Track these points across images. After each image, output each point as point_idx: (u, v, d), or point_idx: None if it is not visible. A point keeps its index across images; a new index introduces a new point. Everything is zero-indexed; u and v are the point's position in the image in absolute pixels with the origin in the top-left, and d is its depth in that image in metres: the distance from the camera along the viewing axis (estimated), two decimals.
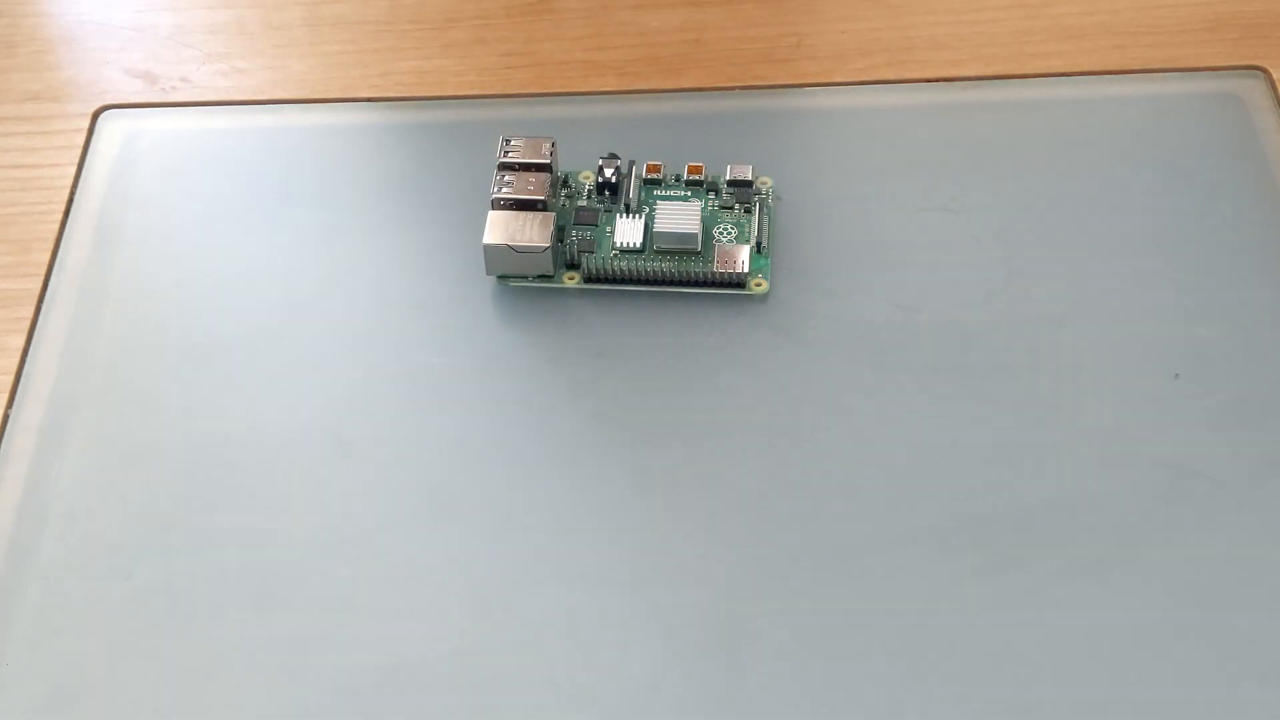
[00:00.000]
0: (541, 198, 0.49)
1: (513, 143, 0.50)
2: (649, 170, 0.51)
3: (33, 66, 0.57)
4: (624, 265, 0.49)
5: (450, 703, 0.42)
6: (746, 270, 0.49)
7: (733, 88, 0.55)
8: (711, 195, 0.51)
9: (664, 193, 0.51)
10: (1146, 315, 0.48)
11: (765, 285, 0.49)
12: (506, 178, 0.49)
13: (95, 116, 0.55)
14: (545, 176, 0.49)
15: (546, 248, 0.48)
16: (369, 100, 0.55)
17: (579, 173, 0.51)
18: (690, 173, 0.51)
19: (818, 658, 0.42)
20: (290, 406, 0.47)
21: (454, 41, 0.56)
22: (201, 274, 0.51)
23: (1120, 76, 0.54)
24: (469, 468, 0.46)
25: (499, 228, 0.49)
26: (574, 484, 0.45)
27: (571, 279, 0.49)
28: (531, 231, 0.48)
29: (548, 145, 0.50)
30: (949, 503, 0.44)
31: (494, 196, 0.49)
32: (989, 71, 0.55)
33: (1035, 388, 0.47)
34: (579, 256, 0.49)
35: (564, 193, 0.51)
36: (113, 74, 0.56)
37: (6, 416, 0.47)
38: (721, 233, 0.50)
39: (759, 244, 0.50)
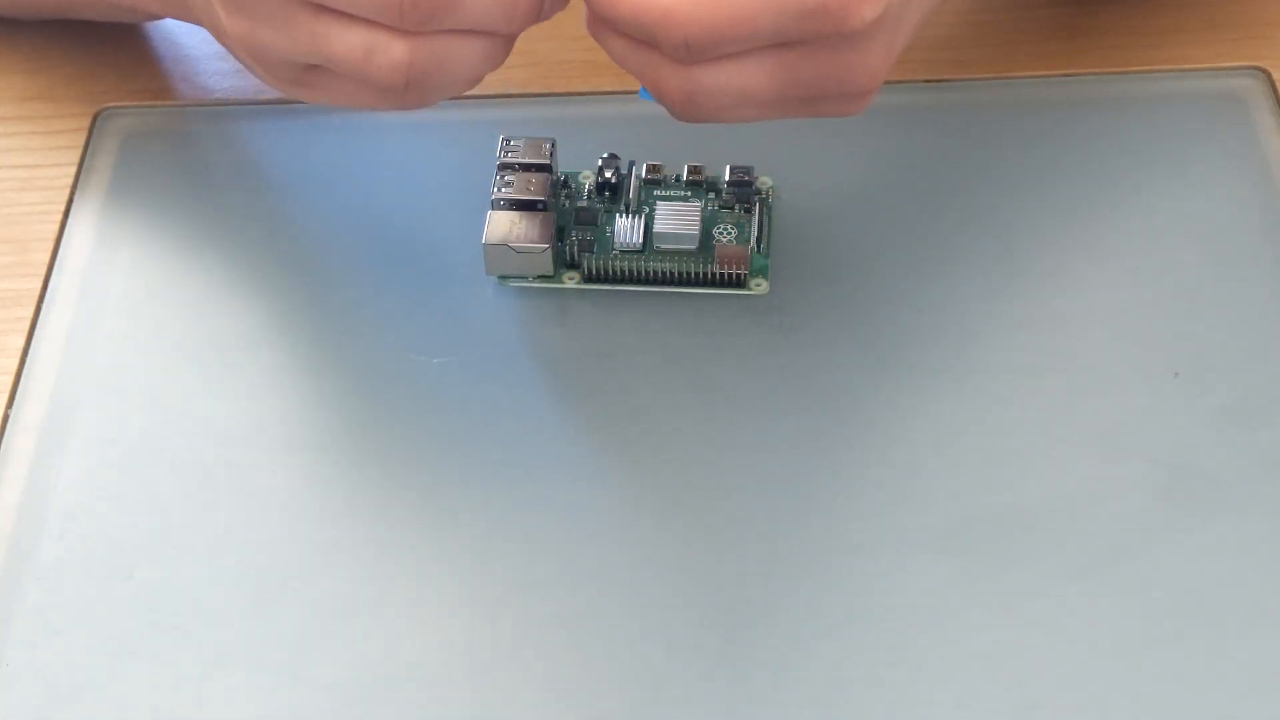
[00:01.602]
0: (541, 198, 0.49)
1: (513, 143, 0.50)
2: (649, 170, 0.51)
3: (33, 67, 0.57)
4: (624, 265, 0.49)
5: (450, 703, 0.42)
6: (746, 270, 0.49)
7: None
8: (711, 195, 0.51)
9: (664, 193, 0.51)
10: (1146, 315, 0.48)
11: (765, 285, 0.49)
12: (506, 178, 0.49)
13: (95, 116, 0.55)
14: (545, 176, 0.49)
15: (546, 248, 0.48)
16: None
17: (579, 173, 0.51)
18: (690, 173, 0.51)
19: (818, 657, 0.42)
20: (290, 406, 0.47)
21: None
22: (201, 273, 0.51)
23: (1120, 76, 0.54)
24: (469, 467, 0.46)
25: (499, 228, 0.49)
26: (574, 483, 0.45)
27: (571, 279, 0.49)
28: (531, 231, 0.48)
29: (548, 145, 0.50)
30: (949, 502, 0.44)
31: (494, 196, 0.49)
32: (989, 71, 0.55)
33: (1035, 387, 0.47)
34: (579, 256, 0.49)
35: (564, 193, 0.51)
36: (113, 74, 0.56)
37: (6, 416, 0.47)
38: (721, 233, 0.50)
39: (759, 244, 0.50)
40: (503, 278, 0.50)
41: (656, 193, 0.51)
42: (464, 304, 0.49)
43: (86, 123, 0.55)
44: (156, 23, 0.57)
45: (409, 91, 0.43)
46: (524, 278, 0.49)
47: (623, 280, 0.49)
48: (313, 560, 0.44)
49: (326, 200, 0.52)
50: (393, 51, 0.43)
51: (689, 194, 0.51)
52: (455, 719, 0.41)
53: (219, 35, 0.46)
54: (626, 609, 0.43)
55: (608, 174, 0.50)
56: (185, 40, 0.57)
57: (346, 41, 0.43)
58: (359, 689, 0.42)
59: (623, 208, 0.50)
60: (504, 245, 0.48)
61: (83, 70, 0.56)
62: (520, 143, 0.50)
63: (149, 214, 0.52)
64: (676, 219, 0.49)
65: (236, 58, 0.47)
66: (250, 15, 0.44)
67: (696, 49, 0.42)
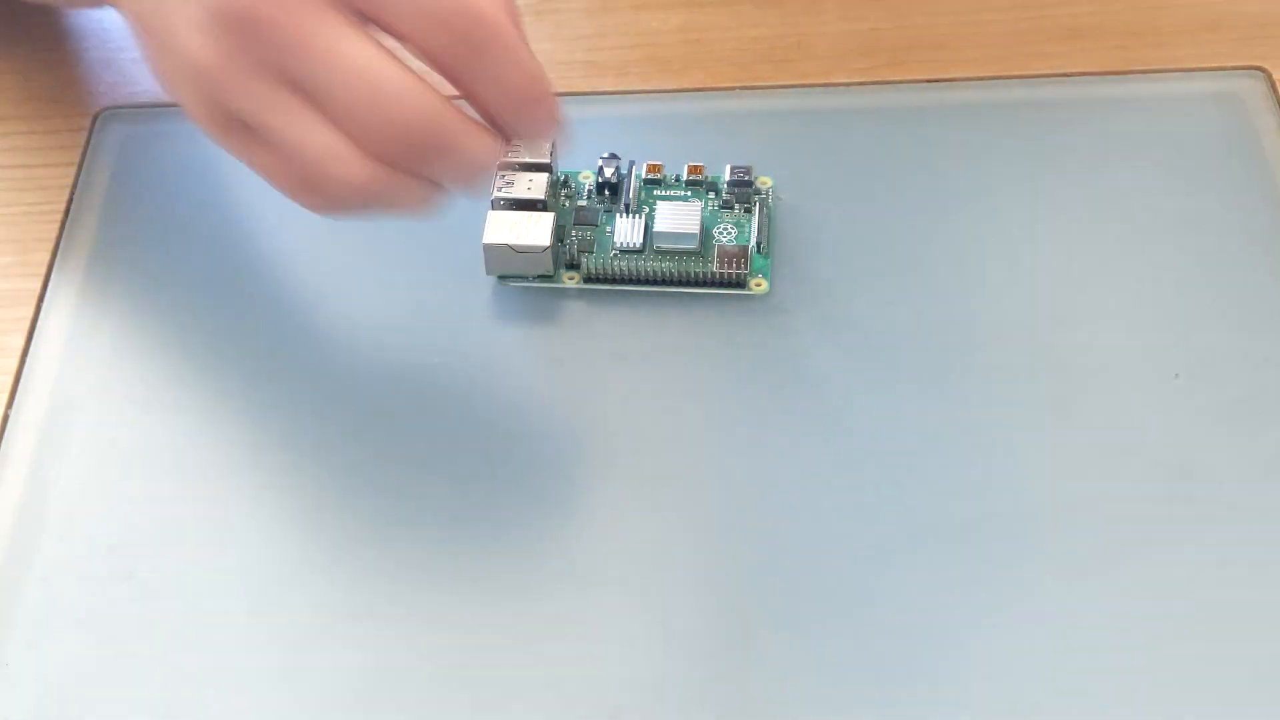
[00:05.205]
0: (541, 198, 0.49)
1: (513, 143, 0.50)
2: (649, 170, 0.51)
3: (33, 67, 0.57)
4: (624, 265, 0.49)
5: (450, 703, 0.42)
6: (746, 270, 0.49)
7: (733, 88, 0.55)
8: (711, 195, 0.51)
9: (664, 193, 0.51)
10: (1146, 315, 0.48)
11: (765, 285, 0.49)
12: (506, 178, 0.49)
13: (95, 117, 0.55)
14: (545, 176, 0.49)
15: (546, 248, 0.48)
16: None
17: (579, 173, 0.51)
18: (690, 173, 0.51)
19: (819, 656, 0.42)
20: (289, 406, 0.47)
21: None
22: (201, 274, 0.51)
23: (1120, 76, 0.54)
24: (469, 467, 0.46)
25: (499, 228, 0.49)
26: (573, 483, 0.45)
27: (571, 279, 0.49)
28: (531, 231, 0.48)
29: (548, 145, 0.50)
30: (949, 502, 0.44)
31: (494, 196, 0.49)
32: (989, 71, 0.55)
33: (1035, 387, 0.47)
34: (579, 256, 0.49)
35: (564, 193, 0.51)
36: (113, 74, 0.56)
37: (6, 416, 0.47)
38: (721, 233, 0.50)
39: (759, 244, 0.50)
40: (503, 278, 0.50)
41: (656, 193, 0.51)
42: (464, 304, 0.49)
43: (86, 123, 0.55)
44: None
45: (333, 204, 0.41)
46: (524, 278, 0.49)
47: (623, 280, 0.49)
48: (313, 561, 0.44)
49: None
50: (353, 167, 0.40)
51: (689, 194, 0.51)
52: (455, 719, 0.42)
53: (163, 51, 0.42)
54: (626, 608, 0.43)
55: (608, 174, 0.50)
56: None
57: (315, 138, 0.40)
58: (358, 689, 0.42)
59: (622, 208, 0.50)
60: (504, 245, 0.48)
61: (83, 70, 0.56)
62: (520, 143, 0.50)
63: (149, 214, 0.52)
64: (676, 219, 0.49)
65: (163, 83, 0.43)
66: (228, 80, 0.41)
67: None
